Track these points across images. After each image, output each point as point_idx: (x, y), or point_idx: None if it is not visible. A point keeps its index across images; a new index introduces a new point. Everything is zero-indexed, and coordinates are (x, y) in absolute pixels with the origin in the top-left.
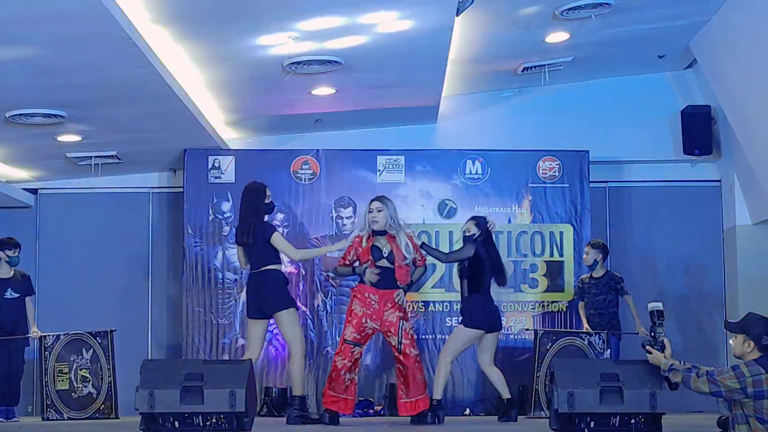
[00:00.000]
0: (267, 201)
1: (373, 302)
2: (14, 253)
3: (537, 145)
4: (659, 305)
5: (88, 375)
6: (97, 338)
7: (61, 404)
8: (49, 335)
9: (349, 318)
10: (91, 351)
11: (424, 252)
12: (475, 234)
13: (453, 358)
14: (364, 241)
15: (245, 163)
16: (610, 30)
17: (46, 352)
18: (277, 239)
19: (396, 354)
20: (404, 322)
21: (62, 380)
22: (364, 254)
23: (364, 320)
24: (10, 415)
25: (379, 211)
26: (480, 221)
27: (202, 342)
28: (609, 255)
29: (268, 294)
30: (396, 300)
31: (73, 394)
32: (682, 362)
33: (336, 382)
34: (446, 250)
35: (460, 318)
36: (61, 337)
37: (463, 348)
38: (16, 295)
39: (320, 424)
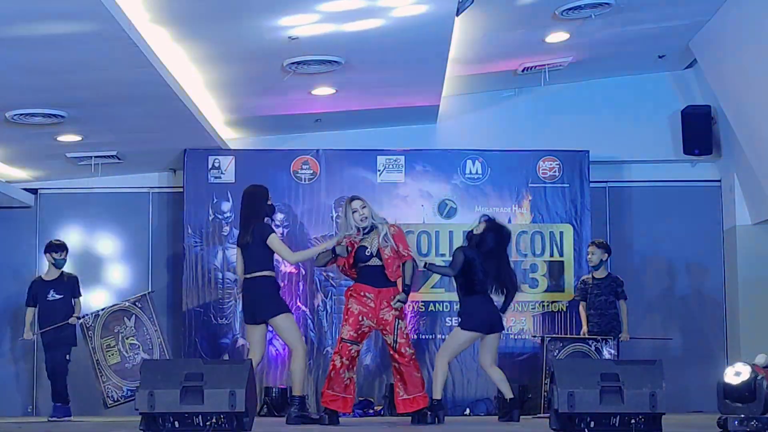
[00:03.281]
0: (268, 203)
1: (369, 300)
2: (60, 255)
3: (537, 145)
4: (763, 357)
5: (136, 341)
6: (137, 304)
7: (118, 378)
8: (87, 315)
9: (346, 317)
10: (133, 318)
11: (431, 270)
12: (476, 233)
13: (450, 359)
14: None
15: (245, 163)
16: (610, 30)
17: (90, 332)
18: (274, 241)
19: (391, 352)
20: (400, 321)
21: (111, 353)
22: (351, 257)
23: (360, 318)
24: (61, 413)
25: (363, 207)
26: (488, 224)
27: (202, 342)
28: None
29: (260, 302)
30: (393, 305)
31: (126, 364)
32: None
33: (335, 381)
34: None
35: (458, 320)
36: (100, 313)
37: (460, 350)
38: (59, 297)
39: (320, 425)
